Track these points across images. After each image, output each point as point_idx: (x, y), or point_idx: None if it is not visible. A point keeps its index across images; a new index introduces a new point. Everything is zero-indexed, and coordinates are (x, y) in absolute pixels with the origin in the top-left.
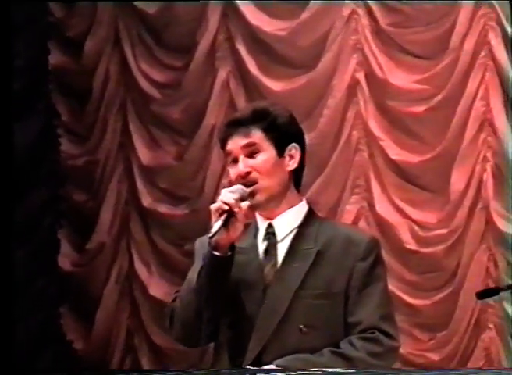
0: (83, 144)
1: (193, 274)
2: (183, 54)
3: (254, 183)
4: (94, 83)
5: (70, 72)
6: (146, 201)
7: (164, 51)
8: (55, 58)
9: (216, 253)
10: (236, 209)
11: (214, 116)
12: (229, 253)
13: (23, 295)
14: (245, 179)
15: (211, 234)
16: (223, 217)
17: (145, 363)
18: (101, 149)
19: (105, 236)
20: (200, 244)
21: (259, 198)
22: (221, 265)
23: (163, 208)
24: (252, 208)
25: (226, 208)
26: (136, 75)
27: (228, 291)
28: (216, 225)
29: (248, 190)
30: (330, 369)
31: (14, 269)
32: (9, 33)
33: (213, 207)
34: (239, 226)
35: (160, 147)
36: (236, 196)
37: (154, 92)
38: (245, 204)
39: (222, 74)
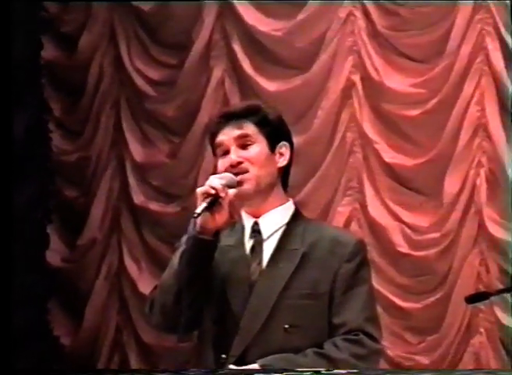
0: (76, 140)
1: (175, 259)
2: (178, 52)
3: (245, 172)
4: (88, 79)
5: (64, 67)
6: (138, 198)
7: (159, 48)
8: (48, 52)
9: (200, 236)
10: (222, 194)
11: (208, 115)
12: (213, 238)
13: (12, 290)
14: (236, 168)
15: (195, 215)
16: (208, 200)
17: (133, 360)
18: (94, 145)
19: (96, 232)
20: None
21: (248, 187)
22: (204, 248)
23: (155, 206)
24: (239, 197)
25: (213, 192)
26: (131, 72)
27: (209, 278)
28: (201, 207)
29: (237, 178)
30: (314, 369)
31: (3, 263)
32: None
33: (199, 190)
34: (224, 214)
35: (153, 144)
36: (224, 182)
37: (148, 89)
38: (232, 191)
39: (217, 73)
